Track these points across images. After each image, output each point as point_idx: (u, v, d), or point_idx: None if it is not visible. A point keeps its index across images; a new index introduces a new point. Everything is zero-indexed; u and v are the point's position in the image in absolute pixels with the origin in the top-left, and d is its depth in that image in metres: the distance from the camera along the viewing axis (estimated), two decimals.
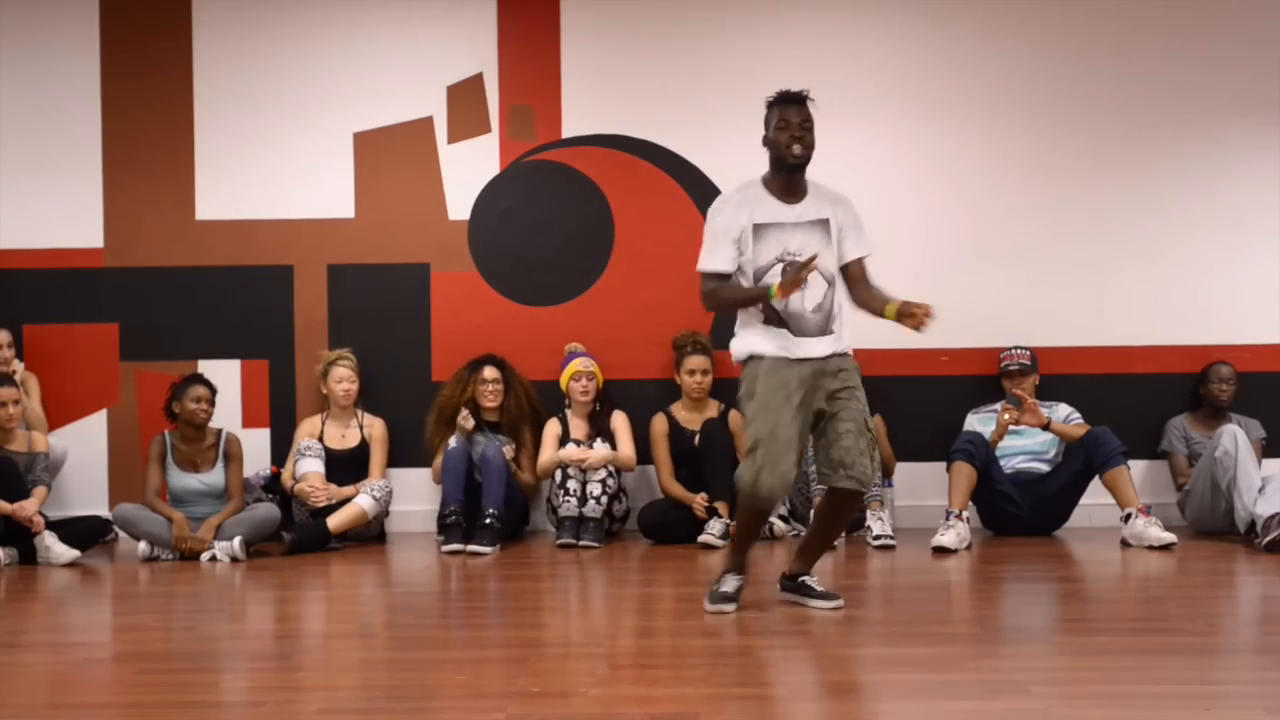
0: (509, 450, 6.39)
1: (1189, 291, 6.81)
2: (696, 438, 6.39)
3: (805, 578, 4.58)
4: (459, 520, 6.11)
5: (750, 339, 4.43)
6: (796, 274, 4.23)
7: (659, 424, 6.49)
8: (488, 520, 6.08)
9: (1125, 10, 6.82)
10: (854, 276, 4.55)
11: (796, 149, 4.41)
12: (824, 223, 4.43)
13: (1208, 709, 3.22)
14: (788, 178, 4.46)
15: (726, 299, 4.44)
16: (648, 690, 3.48)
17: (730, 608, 4.41)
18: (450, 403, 6.58)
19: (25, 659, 4.10)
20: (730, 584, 4.48)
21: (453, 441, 6.35)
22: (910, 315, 4.35)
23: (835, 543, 5.94)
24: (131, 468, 6.71)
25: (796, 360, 4.36)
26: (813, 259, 4.26)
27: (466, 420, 6.38)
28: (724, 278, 4.42)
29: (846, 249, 4.51)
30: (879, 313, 4.45)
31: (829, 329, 4.44)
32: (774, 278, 4.33)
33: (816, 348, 4.40)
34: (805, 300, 4.37)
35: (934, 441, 6.55)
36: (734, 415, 6.53)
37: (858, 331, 6.69)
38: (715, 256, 4.41)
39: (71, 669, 3.93)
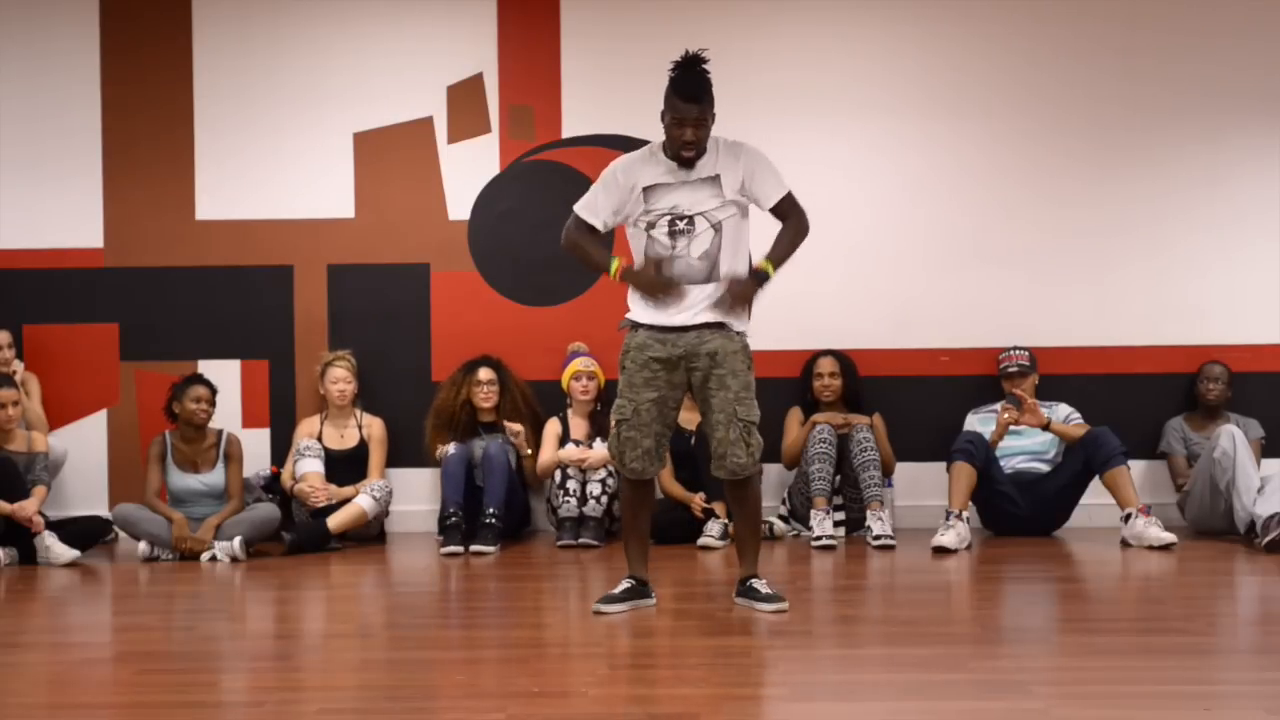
0: (515, 428, 6.39)
1: (1188, 291, 6.80)
2: (693, 439, 6.40)
3: (752, 580, 4.56)
4: (459, 522, 6.11)
5: (633, 299, 4.45)
6: (654, 284, 4.30)
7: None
8: (489, 520, 6.07)
9: (1125, 10, 6.82)
10: (782, 214, 4.53)
11: (685, 154, 4.35)
12: (714, 179, 4.39)
13: (1208, 709, 3.22)
14: None
15: (579, 252, 4.50)
16: (648, 690, 3.48)
17: (614, 608, 4.43)
18: (446, 406, 6.58)
19: (25, 659, 4.10)
20: (621, 585, 4.51)
21: (451, 447, 6.36)
22: (730, 292, 4.34)
23: (825, 541, 5.95)
24: (131, 468, 6.71)
25: (669, 332, 4.37)
26: (677, 289, 4.30)
27: (522, 446, 6.42)
28: (590, 230, 4.47)
29: (761, 194, 4.47)
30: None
31: (712, 277, 4.39)
32: (661, 225, 4.35)
33: (693, 303, 4.35)
34: (691, 248, 4.37)
35: (934, 441, 6.54)
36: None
37: (858, 333, 6.78)
38: (591, 207, 4.47)
39: (71, 669, 3.94)
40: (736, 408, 4.41)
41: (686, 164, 4.38)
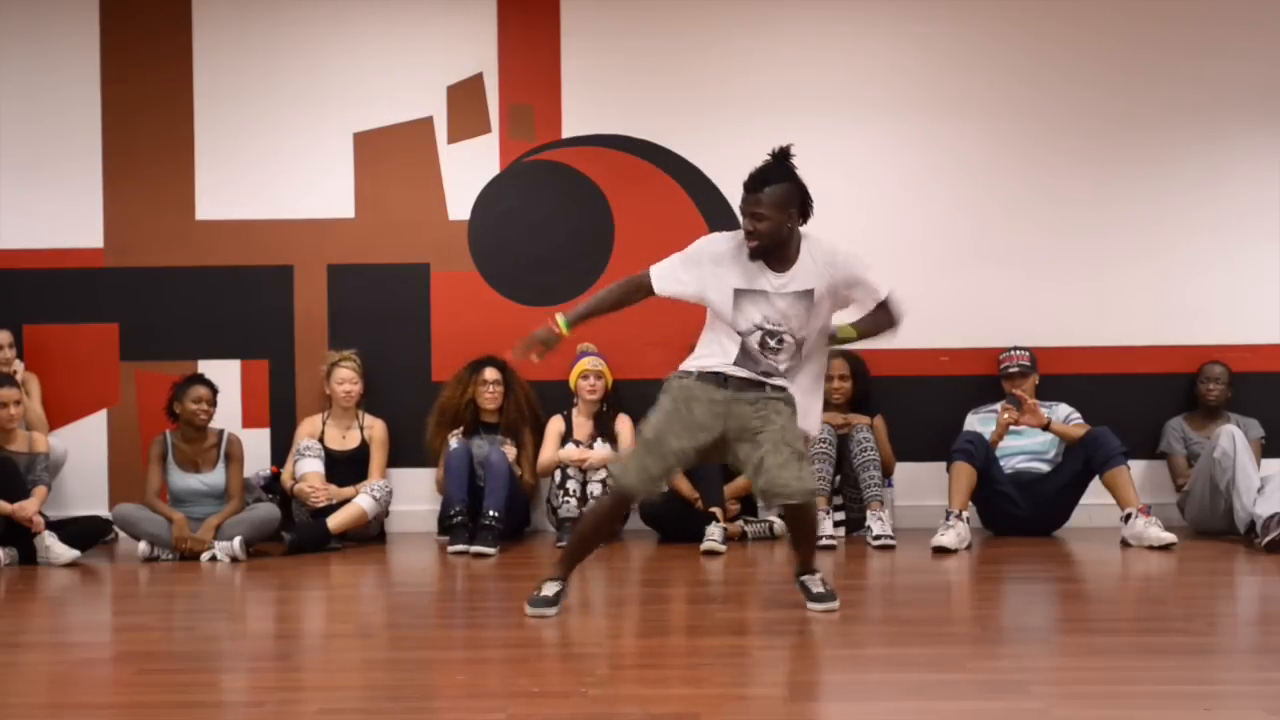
0: (510, 451, 6.39)
1: (1188, 291, 6.80)
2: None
3: (805, 578, 4.57)
4: (464, 521, 6.11)
5: (708, 356, 4.42)
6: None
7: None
8: (489, 521, 6.07)
9: (1125, 10, 6.82)
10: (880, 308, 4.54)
11: (752, 243, 4.32)
12: (808, 293, 4.35)
13: (1208, 709, 3.22)
14: (778, 251, 4.36)
15: (610, 299, 4.55)
16: (648, 690, 3.48)
17: (548, 611, 4.41)
18: (451, 404, 6.58)
19: (25, 659, 4.10)
20: (549, 588, 4.47)
21: (453, 443, 6.36)
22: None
23: (824, 541, 5.94)
24: (131, 468, 6.71)
25: (720, 379, 4.35)
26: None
27: (452, 437, 6.40)
28: (645, 291, 4.46)
29: (855, 297, 4.49)
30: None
31: (788, 376, 4.40)
32: (754, 338, 4.34)
33: (750, 385, 4.35)
34: (779, 359, 4.37)
35: (934, 441, 6.54)
36: None
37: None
38: (666, 277, 4.43)
39: (71, 669, 3.94)
40: (784, 434, 4.32)
41: (785, 256, 4.33)
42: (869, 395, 6.55)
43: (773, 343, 4.33)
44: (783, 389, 4.37)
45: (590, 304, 4.59)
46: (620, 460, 4.45)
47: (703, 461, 4.58)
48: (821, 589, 4.52)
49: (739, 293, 4.33)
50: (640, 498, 4.49)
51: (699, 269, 4.38)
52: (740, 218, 4.37)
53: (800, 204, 4.37)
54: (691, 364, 4.44)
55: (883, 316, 4.50)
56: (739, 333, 4.35)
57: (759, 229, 4.28)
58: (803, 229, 4.42)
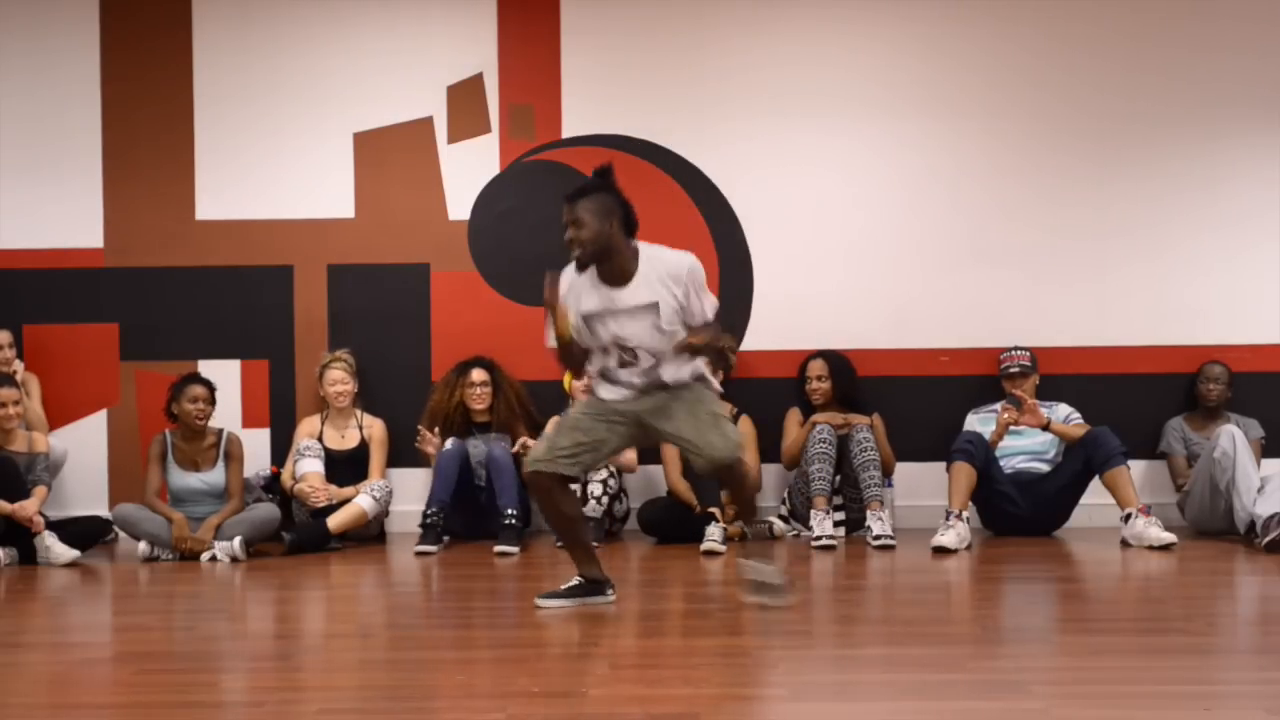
0: (529, 444, 6.40)
1: (1189, 291, 6.81)
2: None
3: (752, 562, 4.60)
4: (437, 521, 6.11)
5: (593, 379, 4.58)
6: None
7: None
8: (509, 520, 6.07)
9: (1125, 10, 6.82)
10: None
11: (576, 250, 4.41)
12: (653, 306, 4.41)
13: (1208, 709, 3.22)
14: (609, 263, 4.44)
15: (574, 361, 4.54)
16: (648, 690, 3.48)
17: (555, 604, 4.53)
18: (440, 406, 6.59)
19: (25, 659, 4.10)
20: (569, 582, 4.62)
21: (448, 443, 6.36)
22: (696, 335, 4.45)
23: (825, 541, 5.95)
24: (131, 468, 6.71)
25: (617, 401, 4.52)
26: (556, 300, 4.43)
27: (428, 443, 6.42)
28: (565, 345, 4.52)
29: (691, 319, 4.48)
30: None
31: (654, 382, 4.50)
32: (612, 352, 4.47)
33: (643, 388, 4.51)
34: (633, 376, 4.48)
35: (934, 441, 6.54)
36: (743, 421, 6.53)
37: (857, 333, 6.78)
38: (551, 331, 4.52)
39: (71, 669, 3.93)
40: (695, 405, 4.45)
41: (622, 272, 4.41)
42: (857, 394, 6.54)
43: (628, 358, 4.44)
44: (665, 385, 4.49)
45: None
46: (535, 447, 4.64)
47: (629, 445, 4.79)
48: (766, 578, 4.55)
49: (588, 316, 4.44)
50: (546, 471, 4.49)
51: (573, 304, 4.49)
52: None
53: (623, 216, 4.43)
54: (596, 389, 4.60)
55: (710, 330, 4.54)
56: (600, 349, 4.49)
57: (580, 236, 4.38)
58: (642, 245, 4.47)
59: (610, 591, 4.62)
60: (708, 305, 4.46)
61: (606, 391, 4.54)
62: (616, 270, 4.42)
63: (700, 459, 4.43)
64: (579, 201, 4.39)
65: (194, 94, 6.90)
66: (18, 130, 6.92)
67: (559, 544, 6.12)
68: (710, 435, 4.40)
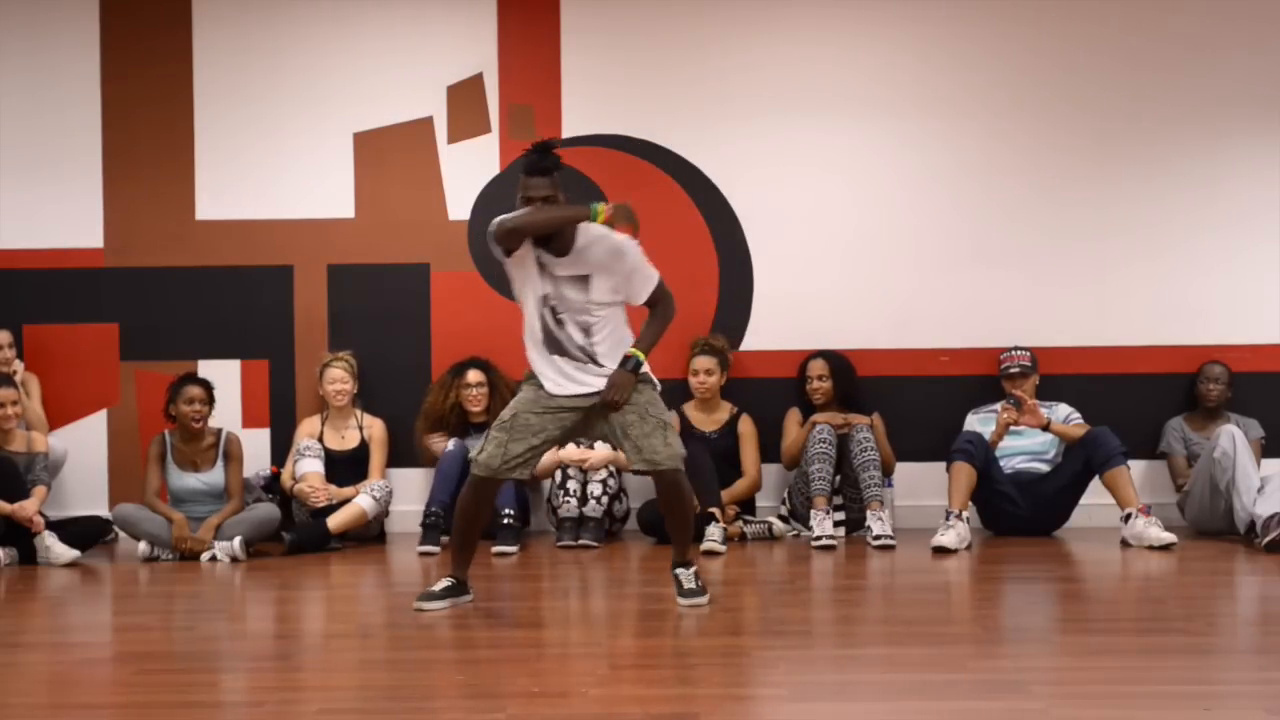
0: None
1: (1189, 291, 6.80)
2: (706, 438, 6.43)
3: (678, 570, 4.64)
4: (439, 522, 6.12)
5: (533, 356, 4.63)
6: (630, 217, 4.51)
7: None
8: (506, 520, 6.07)
9: (1125, 10, 6.82)
10: (651, 304, 4.70)
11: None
12: (584, 279, 4.55)
13: (1208, 709, 3.22)
14: (559, 235, 4.54)
15: (538, 219, 4.49)
16: (648, 690, 3.48)
17: (435, 605, 4.55)
18: (435, 408, 6.58)
19: (25, 659, 4.10)
20: (441, 583, 4.64)
21: (451, 444, 6.36)
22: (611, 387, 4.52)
23: (825, 541, 5.95)
24: (131, 468, 6.71)
25: (565, 397, 4.55)
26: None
27: (435, 444, 6.42)
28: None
29: (635, 294, 4.64)
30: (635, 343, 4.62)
31: (597, 363, 4.56)
32: (546, 309, 4.56)
33: (580, 378, 4.55)
34: (569, 337, 4.56)
35: (934, 441, 6.54)
36: (744, 420, 6.53)
37: (857, 333, 6.78)
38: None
39: (71, 669, 3.94)
40: (648, 408, 4.53)
41: (564, 240, 4.51)
42: (857, 394, 6.55)
43: (559, 316, 4.54)
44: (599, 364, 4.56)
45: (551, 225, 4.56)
46: (481, 445, 4.61)
47: (574, 438, 4.87)
48: (693, 584, 4.58)
49: (539, 263, 4.54)
50: (498, 475, 4.54)
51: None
52: (521, 203, 4.54)
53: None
54: (539, 368, 4.63)
55: (658, 321, 4.67)
56: (534, 302, 4.56)
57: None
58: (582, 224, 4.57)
59: (470, 593, 4.68)
60: (650, 279, 4.62)
61: (555, 385, 4.55)
62: (562, 241, 4.52)
63: (640, 459, 4.49)
64: (544, 177, 4.56)
65: (194, 94, 6.90)
66: (18, 130, 6.91)
67: (560, 544, 6.14)
68: (654, 439, 4.48)
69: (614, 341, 4.58)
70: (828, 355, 6.58)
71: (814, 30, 6.88)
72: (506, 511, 6.09)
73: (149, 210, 6.89)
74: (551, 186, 4.53)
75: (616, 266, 4.57)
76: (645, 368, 4.58)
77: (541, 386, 4.58)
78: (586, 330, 4.56)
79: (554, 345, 4.57)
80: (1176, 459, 6.59)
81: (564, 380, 4.56)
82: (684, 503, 4.62)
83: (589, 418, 4.59)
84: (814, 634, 4.27)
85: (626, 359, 4.54)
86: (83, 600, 5.28)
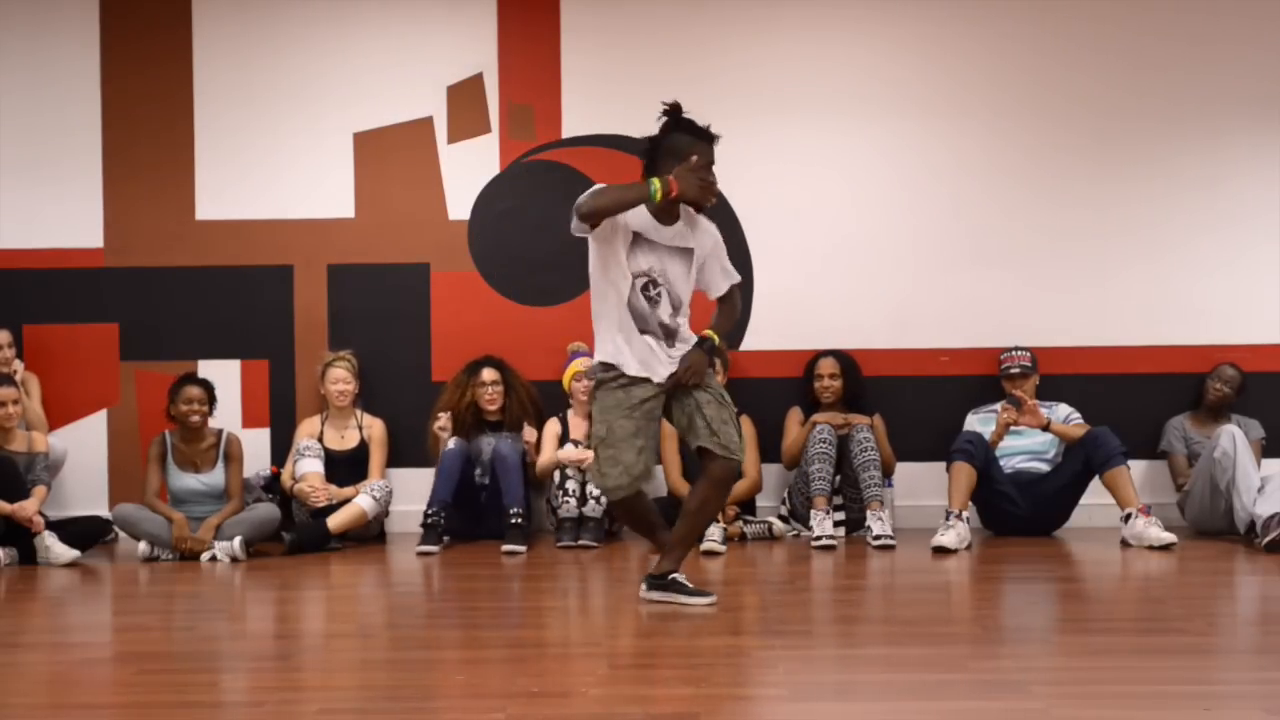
0: (529, 434, 6.42)
1: (1190, 291, 6.81)
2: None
3: (673, 575, 4.61)
4: (439, 521, 6.12)
5: (616, 350, 4.53)
6: (706, 187, 4.41)
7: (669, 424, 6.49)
8: (514, 520, 6.08)
9: (1126, 10, 6.82)
10: (725, 298, 4.76)
11: (711, 200, 4.51)
12: (689, 251, 4.57)
13: (1208, 709, 3.22)
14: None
15: (607, 199, 4.42)
16: (648, 690, 3.48)
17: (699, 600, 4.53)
18: (451, 407, 6.58)
19: (25, 659, 4.10)
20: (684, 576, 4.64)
21: (451, 443, 6.36)
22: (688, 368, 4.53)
23: (825, 541, 5.95)
24: (131, 468, 6.71)
25: (644, 381, 4.50)
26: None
27: (443, 430, 6.40)
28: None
29: (713, 283, 4.68)
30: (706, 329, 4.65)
31: (674, 345, 4.56)
32: (638, 284, 4.50)
33: (666, 362, 4.53)
34: (660, 315, 4.53)
35: (934, 441, 6.55)
36: (743, 421, 6.52)
37: (858, 333, 6.78)
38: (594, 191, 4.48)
39: (71, 669, 3.93)
40: (724, 394, 4.58)
41: (667, 221, 4.51)
42: (862, 394, 6.55)
43: (654, 292, 4.51)
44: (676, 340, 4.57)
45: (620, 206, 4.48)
46: (592, 474, 4.62)
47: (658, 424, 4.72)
48: (691, 585, 4.59)
49: (636, 235, 4.49)
50: (631, 491, 4.53)
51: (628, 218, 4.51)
52: (704, 170, 4.46)
53: None
54: (624, 367, 4.53)
55: (731, 314, 4.74)
56: (631, 275, 4.48)
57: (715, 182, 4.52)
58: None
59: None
60: (733, 274, 4.71)
61: (641, 368, 4.48)
62: (672, 210, 4.53)
63: (713, 441, 4.46)
64: (715, 142, 4.51)
65: (194, 94, 6.90)
66: (18, 130, 6.92)
67: (559, 544, 6.14)
68: (730, 428, 4.51)
69: (687, 326, 4.62)
70: (837, 354, 6.58)
71: (814, 30, 6.89)
72: (514, 511, 6.10)
73: (149, 210, 6.89)
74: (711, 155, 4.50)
75: (713, 249, 4.61)
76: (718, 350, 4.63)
77: (619, 389, 4.50)
78: (678, 307, 4.55)
79: (642, 323, 4.51)
80: (1177, 458, 6.59)
81: (653, 361, 4.51)
82: (722, 500, 4.67)
83: (667, 403, 4.57)
84: (814, 634, 4.27)
85: (702, 339, 4.56)
86: (83, 600, 5.28)
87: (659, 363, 4.52)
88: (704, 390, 4.51)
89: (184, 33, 6.90)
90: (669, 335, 4.54)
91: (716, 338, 4.60)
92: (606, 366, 4.54)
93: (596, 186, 4.48)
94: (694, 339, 4.59)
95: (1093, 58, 6.82)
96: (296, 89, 6.91)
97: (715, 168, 4.50)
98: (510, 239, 6.87)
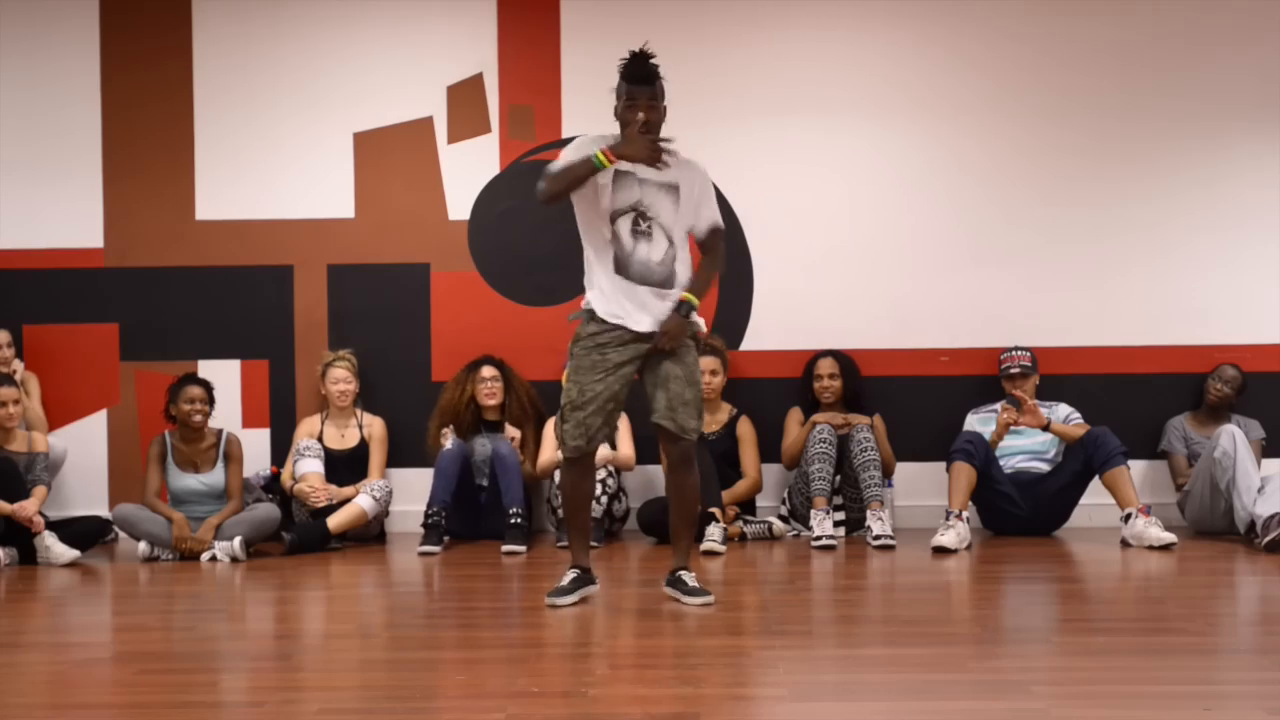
0: (514, 434, 6.42)
1: (1190, 291, 6.81)
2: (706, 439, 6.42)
3: (680, 572, 4.65)
4: (440, 521, 6.12)
5: (597, 298, 4.54)
6: (649, 148, 4.35)
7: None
8: (515, 520, 6.08)
9: (1125, 10, 6.82)
10: (707, 245, 4.68)
11: (660, 158, 4.44)
12: (675, 187, 4.55)
13: (1208, 709, 3.22)
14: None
15: (562, 182, 4.43)
16: (648, 690, 3.48)
17: (566, 600, 4.56)
18: (451, 405, 6.58)
19: (25, 659, 4.10)
20: (567, 575, 4.65)
21: (448, 443, 6.35)
22: (664, 333, 4.50)
23: (825, 541, 5.95)
24: (131, 468, 6.71)
25: (624, 330, 4.49)
26: (662, 149, 4.39)
27: (445, 438, 6.40)
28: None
29: (701, 218, 4.63)
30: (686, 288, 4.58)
31: (669, 284, 4.53)
32: (625, 222, 4.48)
33: (652, 307, 4.49)
34: (651, 252, 4.49)
35: (934, 441, 6.55)
36: (743, 422, 6.53)
37: (858, 333, 6.78)
38: (557, 164, 4.48)
39: (71, 669, 3.93)
40: (694, 372, 4.55)
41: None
42: (861, 394, 6.56)
43: (644, 225, 4.48)
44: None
45: (574, 184, 4.49)
46: (556, 431, 4.57)
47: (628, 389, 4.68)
48: (696, 584, 4.61)
49: (618, 173, 4.47)
50: (589, 449, 4.54)
51: (583, 153, 4.46)
52: (626, 111, 4.46)
53: None
54: (603, 314, 4.52)
55: (713, 264, 4.67)
56: (611, 215, 4.47)
57: (654, 120, 4.47)
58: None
59: (596, 581, 4.71)
60: (716, 213, 4.65)
61: (620, 314, 4.47)
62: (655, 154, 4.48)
63: (669, 419, 4.49)
64: (654, 84, 4.47)
65: (194, 94, 6.90)
66: (18, 130, 6.92)
67: (560, 544, 6.14)
68: (691, 409, 4.50)
69: (684, 267, 4.55)
70: (837, 354, 6.58)
71: (814, 30, 6.89)
72: (514, 511, 6.10)
73: (149, 210, 6.89)
74: (656, 95, 4.47)
75: (698, 184, 4.57)
76: (695, 315, 4.56)
77: (595, 350, 4.49)
78: (671, 240, 4.51)
79: (628, 266, 4.48)
80: (1177, 457, 6.59)
81: (632, 308, 4.48)
82: (692, 483, 4.61)
83: (641, 367, 4.56)
84: (814, 634, 4.27)
85: (681, 303, 4.52)
86: (83, 600, 5.28)
87: (640, 309, 4.49)
88: (677, 363, 4.50)
89: (184, 33, 6.90)
90: (661, 281, 4.50)
91: (695, 300, 4.53)
92: (589, 315, 4.56)
93: (550, 167, 4.49)
94: (677, 301, 4.53)
95: (1093, 58, 6.82)
96: (296, 89, 6.91)
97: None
98: (510, 239, 6.87)
